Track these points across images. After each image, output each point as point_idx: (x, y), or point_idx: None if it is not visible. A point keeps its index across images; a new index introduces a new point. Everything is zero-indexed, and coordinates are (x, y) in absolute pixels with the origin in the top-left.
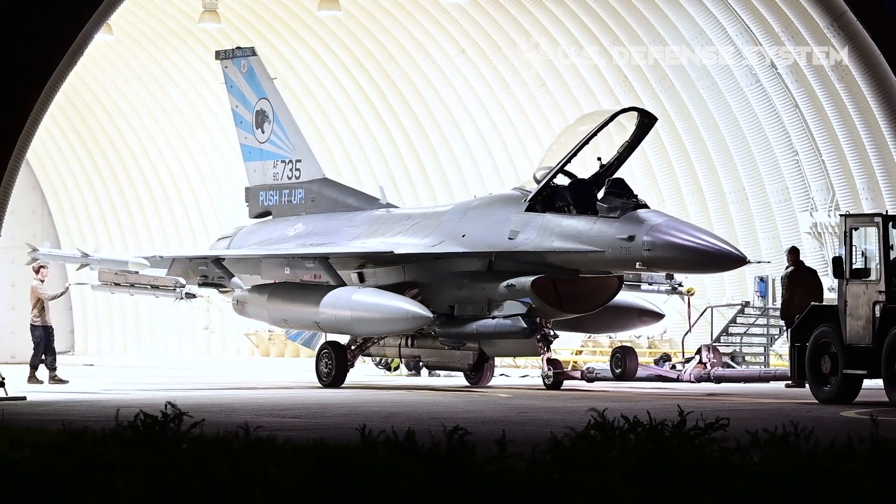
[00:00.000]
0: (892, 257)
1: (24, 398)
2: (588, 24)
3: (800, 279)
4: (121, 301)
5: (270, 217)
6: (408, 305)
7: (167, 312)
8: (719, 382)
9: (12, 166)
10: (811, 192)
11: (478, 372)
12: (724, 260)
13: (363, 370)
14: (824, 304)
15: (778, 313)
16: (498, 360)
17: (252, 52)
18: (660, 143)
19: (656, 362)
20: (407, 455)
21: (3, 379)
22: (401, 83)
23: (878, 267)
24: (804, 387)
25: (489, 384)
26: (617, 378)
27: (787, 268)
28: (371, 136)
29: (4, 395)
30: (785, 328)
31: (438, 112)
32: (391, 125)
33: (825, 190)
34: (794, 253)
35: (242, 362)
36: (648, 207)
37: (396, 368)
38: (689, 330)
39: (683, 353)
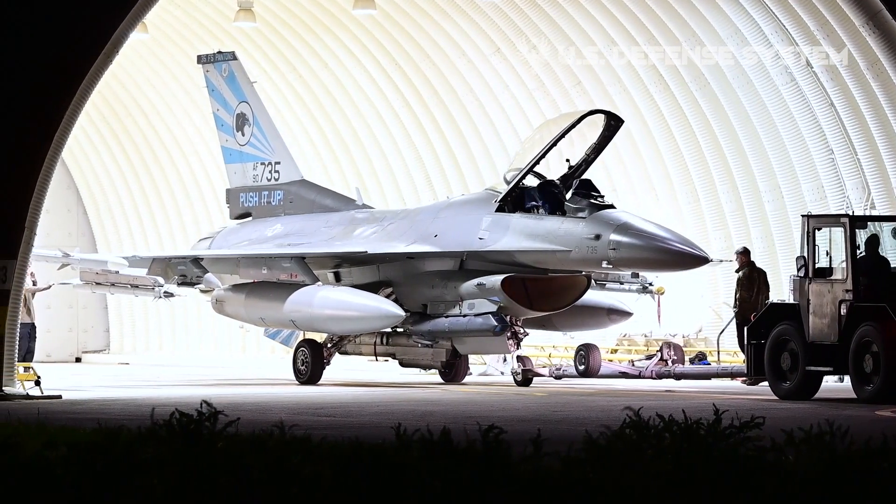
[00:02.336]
0: (857, 257)
1: (60, 396)
2: (624, 22)
3: (756, 279)
4: (156, 300)
5: (251, 218)
6: (381, 304)
7: (203, 311)
8: (679, 379)
9: (48, 165)
10: (846, 190)
11: (451, 369)
12: (686, 259)
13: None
14: (782, 302)
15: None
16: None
17: (233, 56)
18: (695, 142)
19: (692, 361)
20: (442, 454)
21: (39, 378)
22: (436, 82)
23: (846, 266)
24: (757, 384)
25: (463, 381)
26: (581, 375)
27: (738, 269)
28: (406, 134)
29: (40, 394)
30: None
31: (473, 110)
32: (426, 123)
33: (860, 188)
34: (745, 254)
35: (277, 361)
36: (615, 208)
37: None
38: (659, 325)
39: (719, 352)
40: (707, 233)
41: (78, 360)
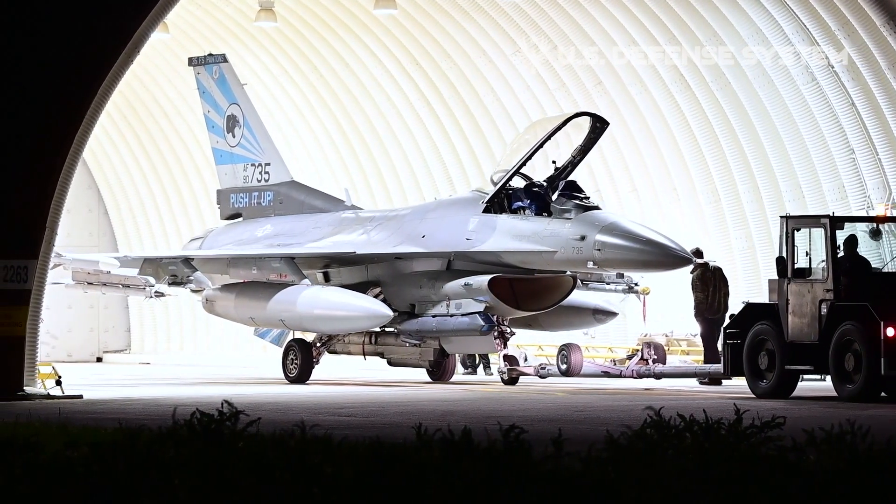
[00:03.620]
0: (837, 257)
1: (81, 396)
2: (644, 22)
3: (710, 279)
4: (177, 300)
5: (241, 219)
6: (369, 304)
7: None
8: (660, 378)
9: (69, 165)
10: (867, 190)
11: (439, 368)
12: (670, 259)
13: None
14: (759, 302)
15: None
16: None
17: (223, 58)
18: (716, 142)
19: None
20: (463, 454)
21: (60, 377)
22: (457, 82)
23: (826, 267)
24: (721, 384)
25: (451, 380)
26: (563, 374)
27: (692, 271)
28: (427, 133)
29: (61, 394)
30: (700, 328)
31: (494, 110)
32: (447, 123)
33: (881, 188)
34: (698, 255)
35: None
36: (601, 209)
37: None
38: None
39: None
40: (728, 232)
41: (99, 359)
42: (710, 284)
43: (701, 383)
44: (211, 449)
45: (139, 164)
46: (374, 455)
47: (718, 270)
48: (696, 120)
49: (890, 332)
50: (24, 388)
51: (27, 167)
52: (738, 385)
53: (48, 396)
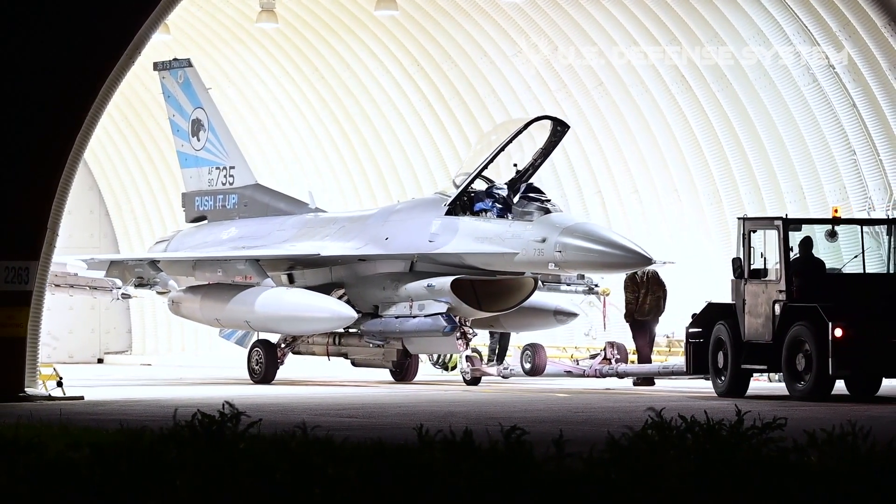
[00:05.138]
0: (790, 258)
1: (82, 398)
2: (645, 23)
3: (642, 282)
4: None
5: (206, 221)
6: (333, 305)
7: None
8: (622, 377)
9: (70, 166)
10: (869, 191)
11: (402, 368)
12: (629, 261)
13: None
14: (720, 302)
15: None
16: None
17: (188, 63)
18: (718, 142)
19: None
20: (465, 455)
21: (61, 378)
22: (458, 82)
23: (779, 267)
24: (653, 384)
25: (414, 380)
26: (527, 373)
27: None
28: (428, 134)
29: (62, 395)
30: (631, 330)
31: (495, 111)
32: (448, 124)
33: (882, 189)
34: None
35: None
36: (561, 211)
37: (454, 368)
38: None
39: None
40: (729, 234)
41: (100, 361)
42: (642, 287)
43: (634, 384)
44: (212, 450)
45: (140, 166)
46: (376, 456)
47: (654, 274)
48: (696, 120)
49: (838, 332)
50: (26, 389)
51: (29, 168)
52: (696, 385)
53: (49, 398)
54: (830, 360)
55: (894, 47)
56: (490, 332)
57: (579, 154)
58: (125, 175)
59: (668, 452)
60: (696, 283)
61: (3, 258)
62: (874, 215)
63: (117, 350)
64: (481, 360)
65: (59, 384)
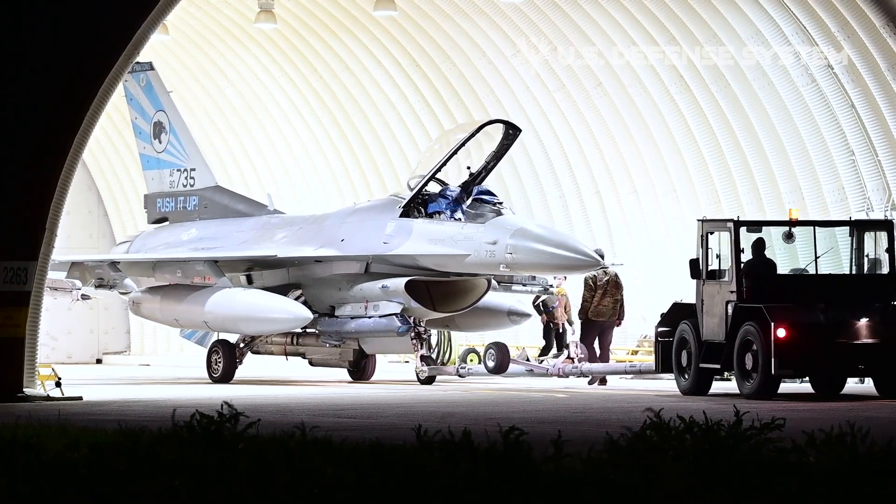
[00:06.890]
0: (743, 260)
1: (81, 398)
2: (644, 23)
3: (601, 283)
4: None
5: (167, 223)
6: (289, 306)
7: None
8: (587, 377)
9: (69, 166)
10: (867, 192)
11: (359, 368)
12: (577, 262)
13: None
14: (685, 302)
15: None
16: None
17: (150, 66)
18: (716, 142)
19: None
20: (463, 455)
21: (60, 379)
22: (457, 83)
23: (731, 268)
24: (606, 383)
25: (371, 380)
26: (491, 372)
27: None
28: (427, 134)
29: (61, 396)
30: (581, 328)
31: (494, 111)
32: (447, 124)
33: (881, 190)
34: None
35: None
36: (514, 213)
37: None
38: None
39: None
40: None
41: (99, 361)
42: (601, 288)
43: (589, 383)
44: (211, 450)
45: (139, 166)
46: (374, 456)
47: (614, 276)
48: (695, 121)
49: (781, 332)
50: (24, 389)
51: (27, 168)
52: (658, 385)
53: (48, 398)
54: (773, 360)
55: (893, 48)
56: (437, 331)
57: (578, 154)
58: (124, 175)
59: (667, 453)
60: (695, 283)
61: (1, 258)
62: (873, 216)
63: (116, 350)
64: (435, 360)
65: (58, 384)
